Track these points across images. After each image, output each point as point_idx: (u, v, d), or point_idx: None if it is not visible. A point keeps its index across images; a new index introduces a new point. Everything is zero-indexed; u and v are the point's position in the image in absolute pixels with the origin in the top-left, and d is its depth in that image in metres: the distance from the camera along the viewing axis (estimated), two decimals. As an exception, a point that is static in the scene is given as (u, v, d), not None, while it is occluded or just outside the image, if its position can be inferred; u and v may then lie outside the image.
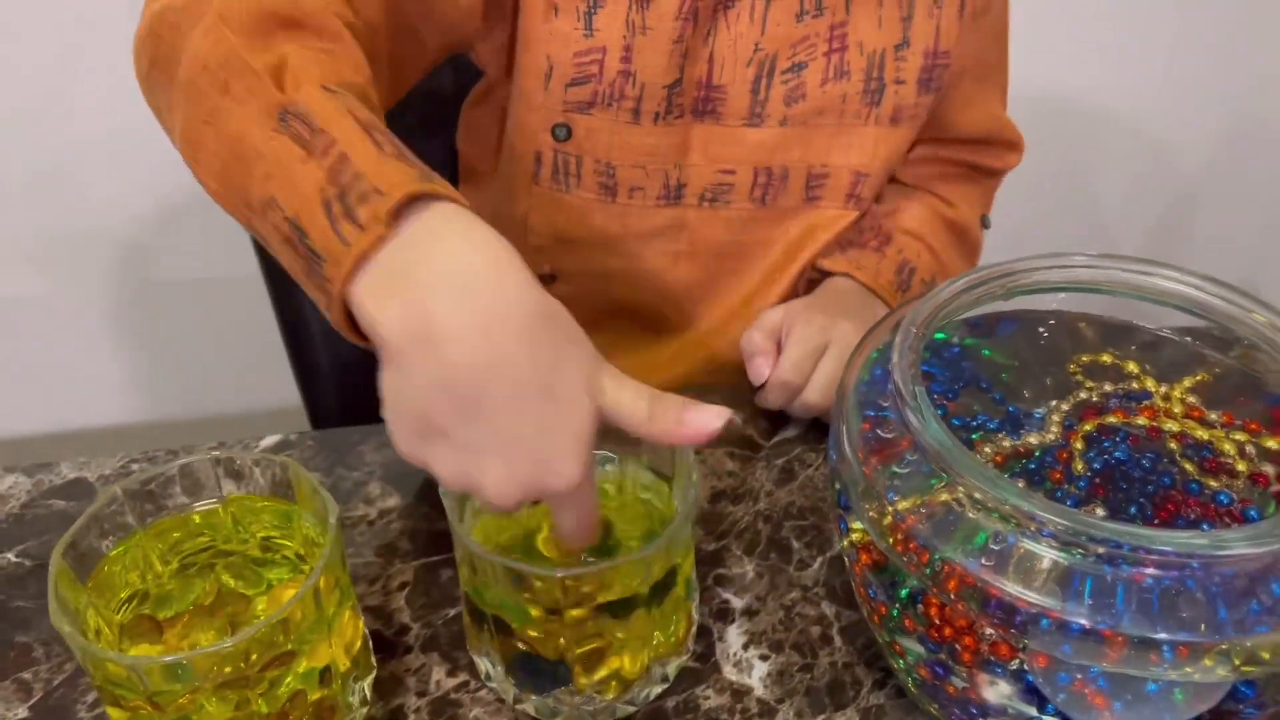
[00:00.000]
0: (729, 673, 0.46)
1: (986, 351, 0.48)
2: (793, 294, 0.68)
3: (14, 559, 0.52)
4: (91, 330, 1.20)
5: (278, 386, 1.09)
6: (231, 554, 0.44)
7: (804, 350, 0.56)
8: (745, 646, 0.47)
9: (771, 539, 0.52)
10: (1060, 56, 1.18)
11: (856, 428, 0.41)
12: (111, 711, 0.39)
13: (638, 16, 0.57)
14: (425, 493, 0.55)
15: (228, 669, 0.37)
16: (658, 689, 0.44)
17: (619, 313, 0.69)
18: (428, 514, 0.54)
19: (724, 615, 0.49)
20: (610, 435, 0.39)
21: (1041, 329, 0.48)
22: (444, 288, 0.35)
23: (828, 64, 0.61)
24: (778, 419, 0.60)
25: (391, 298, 0.35)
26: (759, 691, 0.46)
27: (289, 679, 0.39)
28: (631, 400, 0.37)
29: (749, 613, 0.49)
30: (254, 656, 0.37)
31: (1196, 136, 1.36)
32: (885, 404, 0.41)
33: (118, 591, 0.42)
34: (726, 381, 0.67)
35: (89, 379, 1.23)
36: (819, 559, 0.51)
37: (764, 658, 0.47)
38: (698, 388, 0.64)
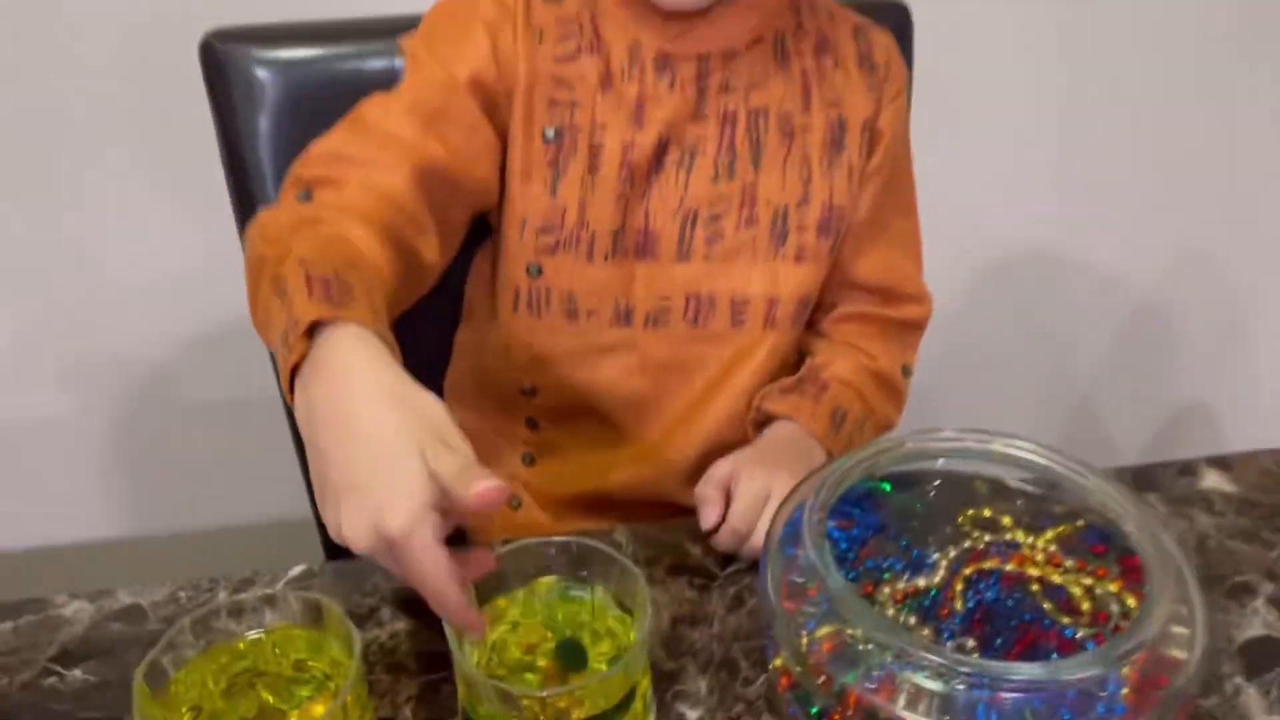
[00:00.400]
0: (681, 775, 0.56)
1: (897, 503, 0.58)
2: (731, 410, 0.80)
3: (81, 675, 0.62)
4: (115, 447, 1.31)
5: (290, 500, 1.21)
6: (269, 674, 0.54)
7: (748, 501, 0.67)
8: (696, 752, 0.57)
9: (723, 659, 0.62)
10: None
11: (779, 572, 0.51)
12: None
13: (589, 179, 0.74)
14: (430, 618, 0.65)
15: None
16: (620, 788, 0.53)
17: (587, 419, 0.82)
18: (431, 636, 0.63)
19: (679, 725, 0.58)
20: (583, 565, 0.50)
21: (939, 485, 0.58)
22: (324, 376, 0.49)
23: (739, 216, 0.77)
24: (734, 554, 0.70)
25: (300, 393, 0.50)
26: (706, 791, 0.55)
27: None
28: (448, 467, 0.46)
29: (700, 723, 0.58)
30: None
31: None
32: (798, 571, 0.52)
33: (180, 707, 0.51)
34: (673, 481, 0.81)
35: (110, 493, 1.34)
36: (761, 676, 0.61)
37: (711, 762, 0.56)
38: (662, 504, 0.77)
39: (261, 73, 0.87)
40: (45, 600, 0.66)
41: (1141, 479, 0.74)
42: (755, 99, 0.76)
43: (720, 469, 0.70)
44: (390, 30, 0.88)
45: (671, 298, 0.78)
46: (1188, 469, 0.75)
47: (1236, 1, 1.31)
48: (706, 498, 0.68)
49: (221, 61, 0.87)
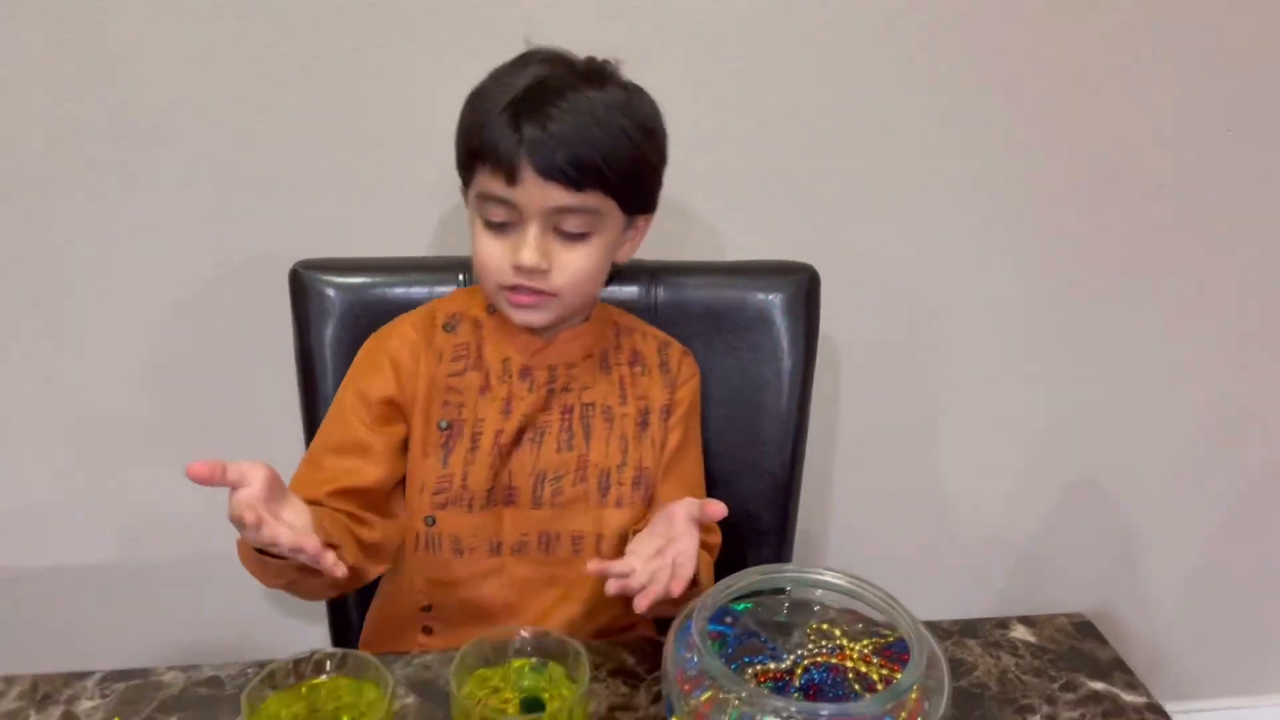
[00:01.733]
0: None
1: (765, 615, 0.84)
2: (575, 607, 1.07)
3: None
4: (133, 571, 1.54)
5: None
6: (323, 711, 0.77)
7: (645, 555, 0.87)
8: (617, 793, 0.80)
9: (643, 734, 0.86)
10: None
11: (675, 666, 0.76)
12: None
13: (470, 456, 1.04)
14: (432, 694, 0.88)
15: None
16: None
17: (472, 625, 1.06)
18: (433, 710, 0.87)
19: (607, 775, 0.81)
20: (545, 649, 0.75)
21: (788, 604, 0.84)
22: None
23: (575, 475, 1.06)
24: (654, 660, 0.94)
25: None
26: (621, 817, 0.77)
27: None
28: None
29: (622, 774, 0.81)
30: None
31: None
32: (689, 653, 0.76)
33: (264, 726, 0.74)
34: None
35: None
36: (669, 747, 0.84)
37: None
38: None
39: (331, 292, 1.18)
40: (149, 669, 0.90)
41: (967, 629, 0.99)
42: (586, 396, 1.08)
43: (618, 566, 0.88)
44: (424, 268, 1.20)
45: (529, 534, 1.06)
46: (1002, 624, 1.00)
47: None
48: (604, 568, 0.87)
49: (304, 283, 1.18)
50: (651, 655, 0.94)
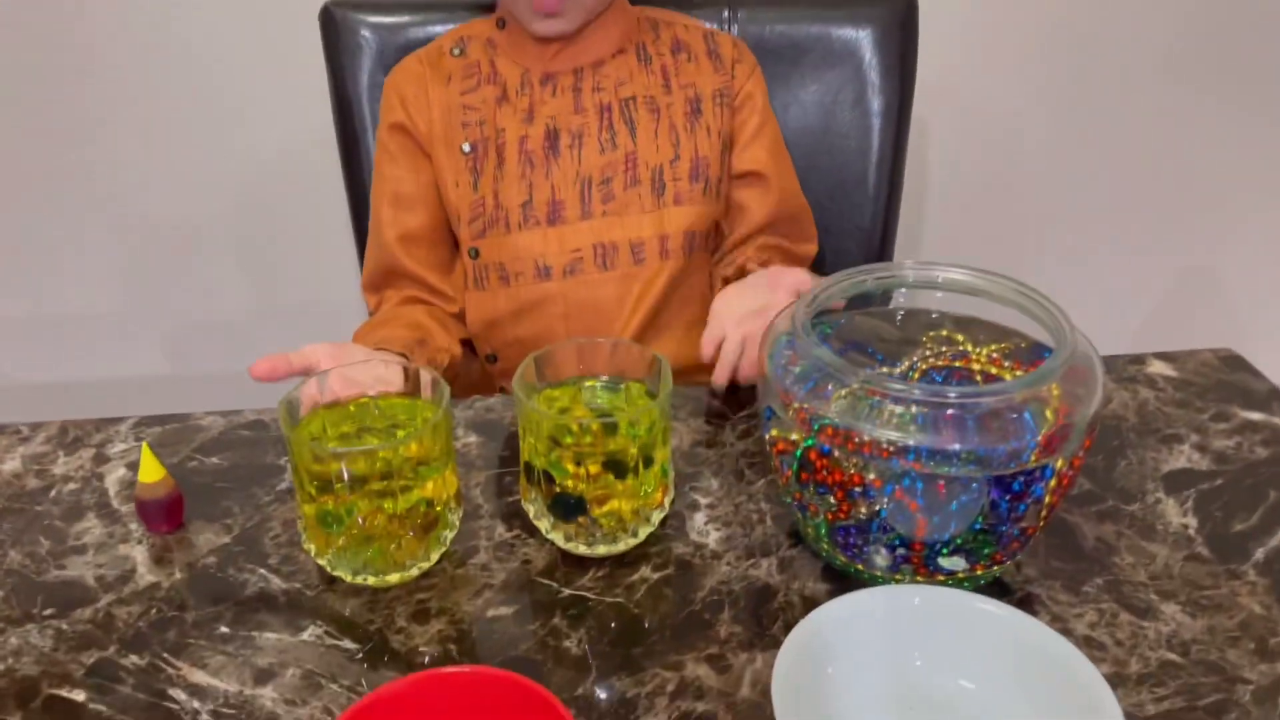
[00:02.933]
0: (694, 536, 0.69)
1: (870, 327, 0.72)
2: (642, 330, 0.97)
3: (217, 461, 0.77)
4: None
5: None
6: (374, 429, 0.68)
7: (731, 347, 0.82)
8: (705, 523, 0.70)
9: (731, 469, 0.76)
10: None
11: (774, 368, 0.65)
12: (304, 508, 0.63)
13: (498, 172, 0.96)
14: (496, 434, 0.79)
15: (376, 482, 0.61)
16: (645, 530, 0.67)
17: None
18: (497, 448, 0.78)
19: (694, 507, 0.72)
20: (616, 367, 0.65)
21: (901, 315, 0.72)
22: None
23: (625, 177, 0.96)
24: (739, 400, 0.84)
25: None
26: (712, 546, 0.68)
27: (414, 493, 0.63)
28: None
29: (710, 506, 0.72)
30: (393, 472, 0.61)
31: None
32: (787, 356, 0.65)
33: (304, 442, 0.65)
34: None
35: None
36: (760, 481, 0.74)
37: (717, 529, 0.70)
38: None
39: (366, 32, 1.06)
40: (187, 415, 0.82)
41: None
42: (624, 91, 0.97)
43: (713, 330, 0.83)
44: (451, 5, 1.07)
45: (582, 250, 0.96)
46: (1136, 359, 0.88)
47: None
48: (707, 355, 0.83)
49: (337, 22, 1.05)
50: (735, 395, 0.84)
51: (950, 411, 0.57)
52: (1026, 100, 1.48)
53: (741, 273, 0.98)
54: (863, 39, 1.09)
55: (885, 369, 0.67)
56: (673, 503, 0.70)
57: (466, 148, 0.96)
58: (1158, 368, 0.87)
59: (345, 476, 0.61)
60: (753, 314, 0.82)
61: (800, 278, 0.85)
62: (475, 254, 0.97)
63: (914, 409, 0.58)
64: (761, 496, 0.73)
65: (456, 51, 0.99)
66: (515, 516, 0.71)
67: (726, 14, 1.09)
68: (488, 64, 0.98)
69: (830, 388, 0.61)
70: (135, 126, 1.35)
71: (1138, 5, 1.41)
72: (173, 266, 1.45)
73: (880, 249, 1.14)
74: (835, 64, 1.10)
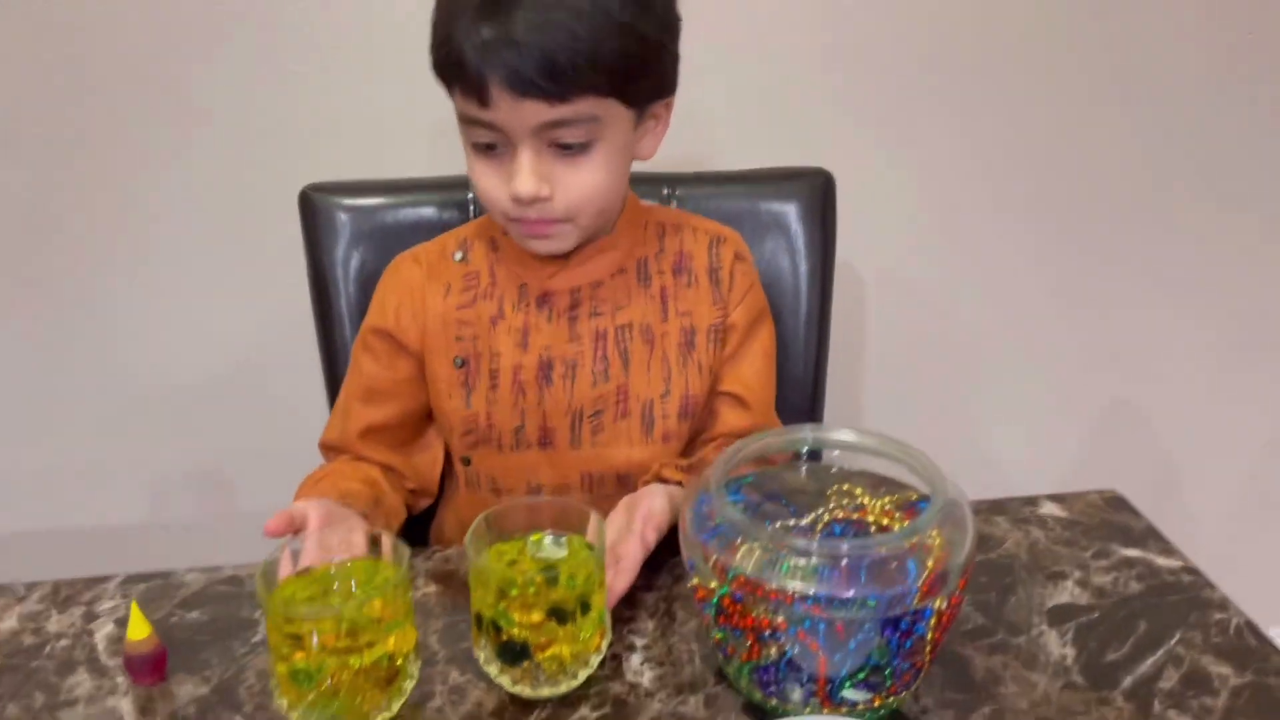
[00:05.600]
0: (629, 676, 0.77)
1: (784, 482, 0.82)
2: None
3: (197, 615, 0.85)
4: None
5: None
6: (338, 591, 0.76)
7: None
8: (640, 663, 0.78)
9: (665, 610, 0.84)
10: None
11: (693, 527, 0.74)
12: (278, 667, 0.70)
13: (491, 394, 0.99)
14: (453, 583, 0.88)
15: (342, 641, 0.69)
16: (584, 673, 0.75)
17: None
18: (454, 596, 0.86)
19: (630, 648, 0.80)
20: (561, 523, 0.75)
21: (805, 468, 0.82)
22: None
23: (616, 410, 0.99)
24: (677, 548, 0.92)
25: None
26: (645, 685, 0.76)
27: (378, 649, 0.71)
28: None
29: (645, 647, 0.80)
30: (358, 631, 0.69)
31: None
32: (704, 512, 0.75)
33: (277, 607, 0.73)
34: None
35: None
36: (691, 621, 0.83)
37: (651, 669, 0.78)
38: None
39: (342, 215, 1.17)
40: (168, 572, 0.90)
41: (995, 507, 0.97)
42: (621, 318, 0.99)
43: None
44: (433, 187, 1.19)
45: (570, 476, 1.01)
46: (1030, 501, 0.98)
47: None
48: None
49: (315, 206, 1.17)
50: (675, 541, 0.93)
51: (844, 562, 0.67)
52: (956, 263, 1.61)
53: (655, 479, 0.96)
54: (789, 211, 1.22)
55: (794, 520, 0.77)
56: (610, 645, 0.78)
57: (459, 362, 0.99)
58: (1049, 509, 0.97)
59: (315, 637, 0.69)
60: (610, 549, 0.84)
61: (653, 505, 0.86)
62: (467, 462, 1.02)
63: (813, 560, 0.67)
64: (692, 636, 0.81)
65: (459, 256, 1.01)
66: (468, 661, 0.79)
67: (666, 191, 1.21)
68: (488, 273, 1.00)
69: (740, 541, 0.70)
70: (124, 283, 1.45)
71: (1068, 157, 1.56)
72: (154, 419, 1.53)
73: (812, 401, 1.25)
74: (765, 234, 1.22)
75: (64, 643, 0.82)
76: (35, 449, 1.50)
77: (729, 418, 1.04)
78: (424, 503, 1.09)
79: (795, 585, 0.67)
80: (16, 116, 1.33)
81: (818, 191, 1.22)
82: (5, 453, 1.49)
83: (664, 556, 0.91)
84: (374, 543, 0.77)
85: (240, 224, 1.43)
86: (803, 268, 1.22)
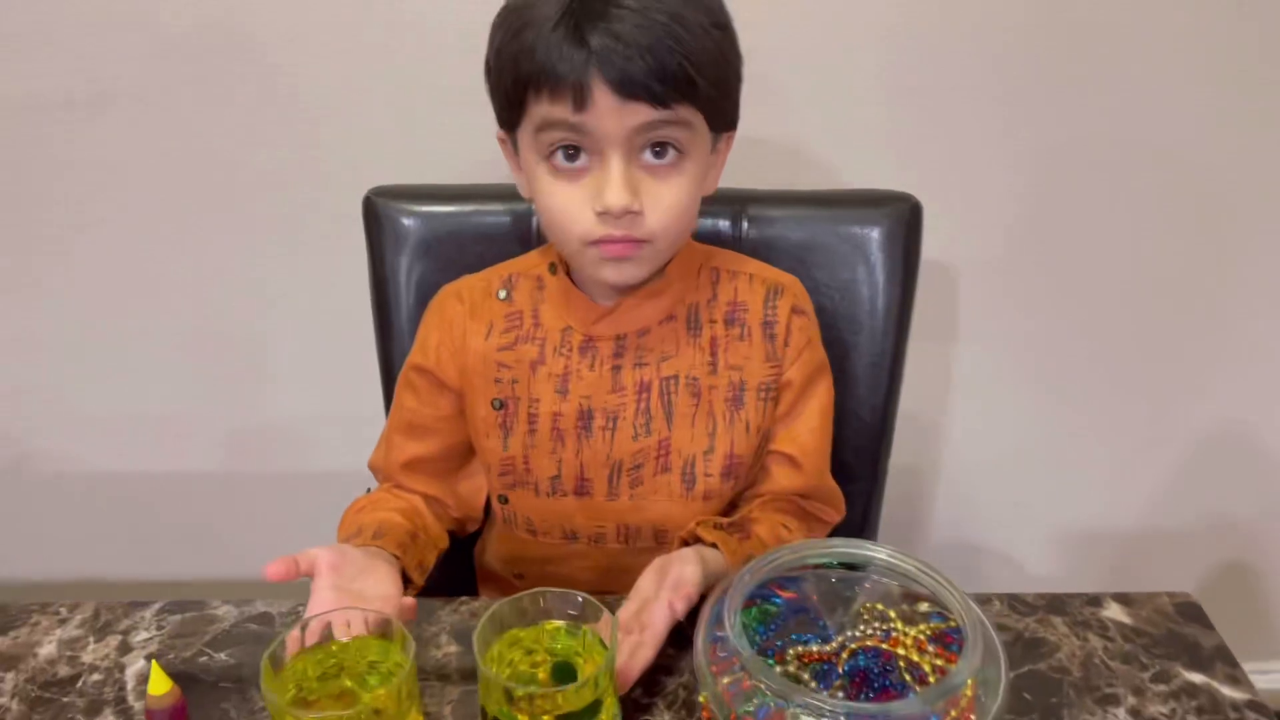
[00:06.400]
0: (636, 778, 0.75)
1: (817, 590, 0.78)
2: None
3: (224, 658, 0.86)
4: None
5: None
6: (350, 668, 0.76)
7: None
8: (650, 764, 0.76)
9: (685, 700, 0.82)
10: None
11: (706, 642, 0.71)
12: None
13: (529, 439, 0.97)
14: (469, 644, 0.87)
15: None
16: (589, 779, 0.73)
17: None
18: (474, 660, 0.85)
19: (642, 744, 0.78)
20: (584, 618, 0.72)
21: (839, 580, 0.78)
22: None
23: (656, 465, 0.95)
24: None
25: None
26: (652, 791, 0.74)
27: (380, 743, 0.70)
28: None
29: (658, 744, 0.78)
30: (362, 721, 0.69)
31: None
32: (721, 632, 0.71)
33: (288, 684, 0.73)
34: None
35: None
36: (711, 717, 0.80)
37: (660, 772, 0.76)
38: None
39: (406, 221, 1.15)
40: (204, 602, 0.91)
41: (1054, 605, 0.91)
42: (667, 368, 0.94)
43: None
44: (498, 195, 1.15)
45: (606, 526, 0.98)
46: (1093, 600, 0.91)
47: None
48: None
49: (378, 212, 1.15)
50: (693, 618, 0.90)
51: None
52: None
53: (692, 537, 0.93)
54: (870, 239, 1.15)
55: (817, 646, 0.73)
56: (620, 746, 0.76)
57: (496, 404, 0.97)
58: (1112, 611, 0.90)
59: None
60: (634, 616, 0.82)
61: (684, 574, 0.82)
62: (504, 500, 1.01)
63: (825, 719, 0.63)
64: (706, 738, 0.79)
65: (503, 295, 0.98)
66: (479, 744, 0.78)
67: (736, 209, 1.15)
68: (531, 314, 0.97)
69: (751, 682, 0.67)
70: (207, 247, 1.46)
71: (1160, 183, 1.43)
72: (235, 374, 1.55)
73: (878, 443, 1.19)
74: (841, 263, 1.15)
75: (96, 677, 0.84)
76: (120, 394, 1.55)
77: (780, 477, 1.00)
78: (471, 528, 1.09)
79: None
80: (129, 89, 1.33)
81: (903, 219, 1.14)
82: (92, 394, 1.54)
83: (691, 630, 0.88)
84: (384, 627, 0.76)
85: (304, 227, 1.42)
86: (879, 302, 1.15)
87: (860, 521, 1.22)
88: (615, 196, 0.81)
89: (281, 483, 1.61)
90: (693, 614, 0.83)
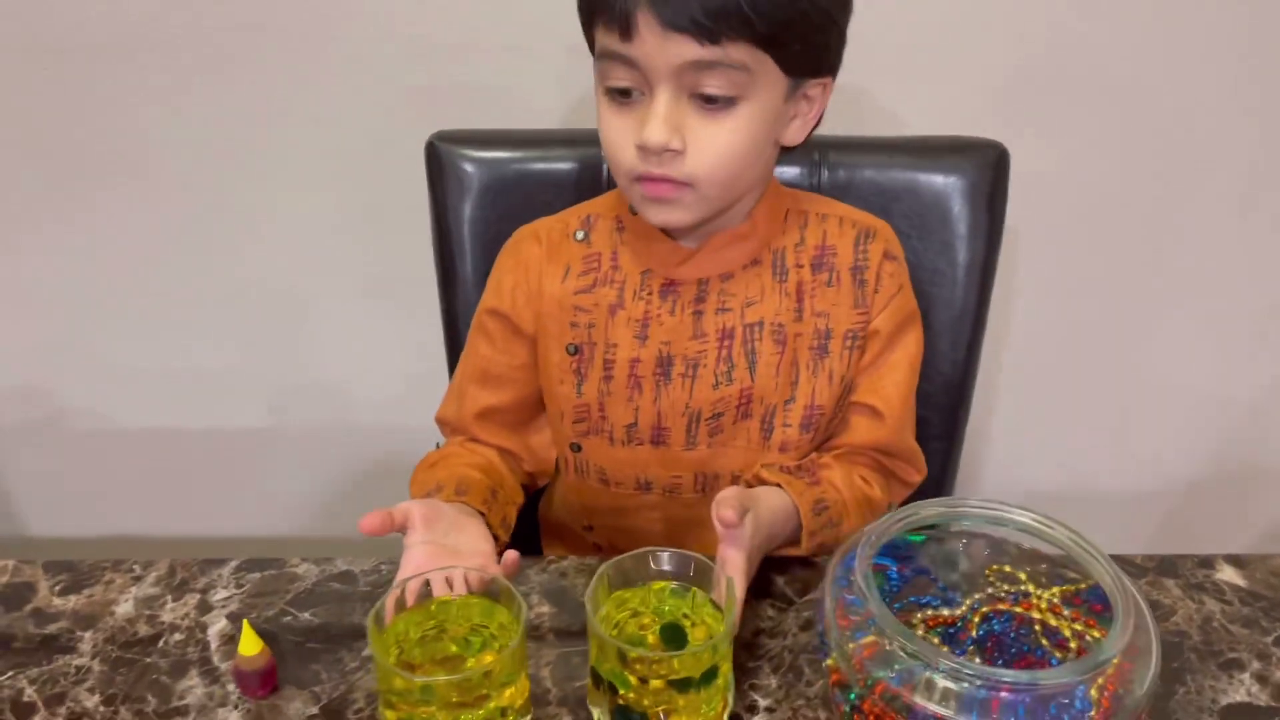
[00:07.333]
0: (750, 744, 0.72)
1: (938, 553, 0.74)
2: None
3: (308, 617, 0.83)
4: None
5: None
6: (452, 630, 0.73)
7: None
8: (763, 730, 0.74)
9: (790, 665, 0.79)
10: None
11: (833, 601, 0.68)
12: (386, 713, 0.68)
13: (605, 386, 0.93)
14: (567, 603, 0.83)
15: (454, 697, 0.65)
16: (702, 744, 0.70)
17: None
18: (568, 620, 0.82)
19: (752, 708, 0.75)
20: (689, 572, 0.68)
21: (970, 542, 0.74)
22: None
23: (736, 413, 0.92)
24: (804, 583, 0.86)
25: None
26: (767, 758, 0.71)
27: (490, 705, 0.67)
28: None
29: (769, 709, 0.75)
30: (471, 689, 0.65)
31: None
32: (851, 591, 0.68)
33: (390, 645, 0.70)
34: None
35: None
36: (819, 682, 0.77)
37: (774, 738, 0.73)
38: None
39: (469, 167, 1.10)
40: (283, 560, 0.88)
41: (1165, 566, 0.88)
42: (750, 315, 0.90)
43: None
44: (564, 141, 1.11)
45: (682, 476, 0.95)
46: (1205, 562, 0.88)
47: None
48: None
49: (441, 157, 1.10)
50: (801, 577, 0.87)
51: (1003, 694, 0.60)
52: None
53: (755, 479, 0.90)
54: (953, 188, 1.10)
55: (945, 610, 0.69)
56: (731, 711, 0.73)
57: (571, 349, 0.93)
58: (1226, 574, 0.87)
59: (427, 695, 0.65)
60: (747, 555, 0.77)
61: (738, 560, 0.75)
62: (577, 448, 0.97)
63: (966, 685, 0.60)
64: (819, 703, 0.75)
65: (580, 235, 0.94)
66: (581, 707, 0.75)
67: (816, 156, 1.10)
68: (609, 256, 0.93)
69: (887, 644, 0.63)
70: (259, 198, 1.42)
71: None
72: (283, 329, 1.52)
73: (957, 401, 1.15)
74: (924, 213, 1.10)
75: (178, 637, 0.81)
76: (170, 350, 1.51)
77: (860, 429, 0.95)
78: (542, 482, 1.06)
79: (945, 712, 0.60)
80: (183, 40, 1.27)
81: (988, 168, 1.10)
82: (144, 350, 1.50)
83: (796, 591, 0.85)
84: (488, 587, 0.72)
85: (357, 176, 1.37)
86: (961, 255, 1.11)
87: (937, 482, 1.19)
88: (653, 132, 0.78)
89: (329, 438, 1.57)
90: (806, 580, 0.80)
